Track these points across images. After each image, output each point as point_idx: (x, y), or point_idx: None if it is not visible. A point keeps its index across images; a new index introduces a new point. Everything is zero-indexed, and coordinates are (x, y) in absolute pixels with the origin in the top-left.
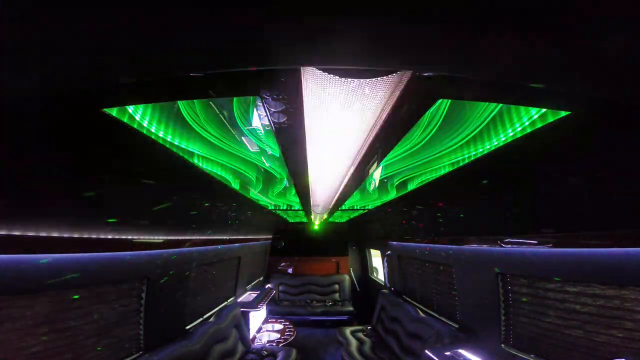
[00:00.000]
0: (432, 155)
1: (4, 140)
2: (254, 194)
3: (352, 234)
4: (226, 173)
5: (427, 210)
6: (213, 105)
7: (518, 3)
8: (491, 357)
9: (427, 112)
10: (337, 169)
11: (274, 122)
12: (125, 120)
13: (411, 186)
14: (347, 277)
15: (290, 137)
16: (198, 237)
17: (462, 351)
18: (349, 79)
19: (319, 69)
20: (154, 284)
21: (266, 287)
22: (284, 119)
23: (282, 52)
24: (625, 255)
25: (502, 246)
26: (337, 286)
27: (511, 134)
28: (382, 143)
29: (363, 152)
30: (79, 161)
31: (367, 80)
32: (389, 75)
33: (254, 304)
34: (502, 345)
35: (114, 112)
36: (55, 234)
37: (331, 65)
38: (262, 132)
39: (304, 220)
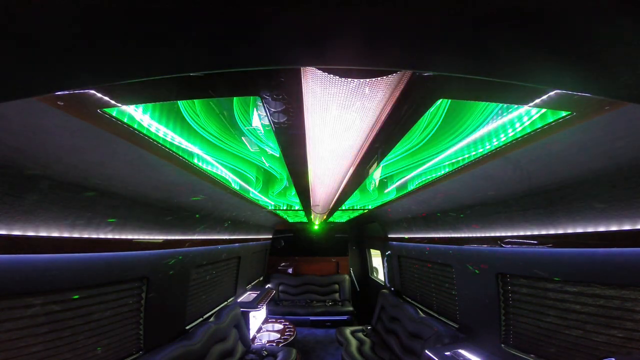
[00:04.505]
0: (432, 155)
1: None
2: (254, 194)
3: (352, 234)
4: (226, 173)
5: (427, 210)
6: (213, 105)
7: (518, 3)
8: (491, 357)
9: (427, 112)
10: (337, 169)
11: (274, 122)
12: (125, 120)
13: (411, 186)
14: (347, 277)
15: (290, 137)
16: (198, 237)
17: (462, 351)
18: (349, 79)
19: (319, 69)
20: (154, 284)
21: (266, 287)
22: (284, 119)
23: (281, 52)
24: (625, 255)
25: (502, 246)
26: (337, 286)
27: (511, 134)
28: (382, 143)
29: (363, 152)
30: None
31: (367, 80)
32: (389, 75)
33: (254, 304)
34: (502, 345)
35: (113, 112)
36: (55, 234)
37: (331, 64)
38: (262, 132)
39: (304, 220)
